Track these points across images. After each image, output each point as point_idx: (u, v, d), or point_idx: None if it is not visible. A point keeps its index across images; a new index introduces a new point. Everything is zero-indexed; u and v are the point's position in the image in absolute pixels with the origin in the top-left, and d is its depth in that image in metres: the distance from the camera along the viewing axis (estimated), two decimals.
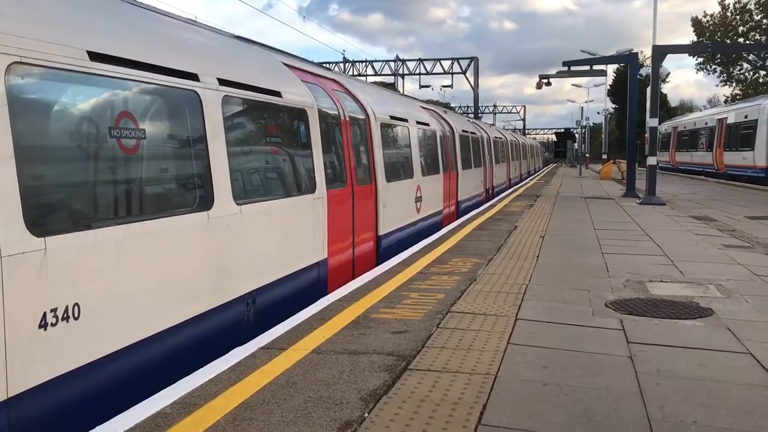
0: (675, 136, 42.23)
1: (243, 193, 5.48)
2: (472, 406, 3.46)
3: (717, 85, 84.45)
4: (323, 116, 7.42)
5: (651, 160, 17.88)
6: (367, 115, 9.26)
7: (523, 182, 32.82)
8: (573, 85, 63.60)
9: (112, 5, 4.64)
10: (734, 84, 53.88)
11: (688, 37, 52.24)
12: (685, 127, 40.01)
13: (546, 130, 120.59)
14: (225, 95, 5.26)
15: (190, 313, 4.59)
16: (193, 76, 4.85)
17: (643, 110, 20.33)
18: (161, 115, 4.81)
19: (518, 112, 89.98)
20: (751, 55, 46.88)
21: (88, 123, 4.05)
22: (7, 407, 3.03)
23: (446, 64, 47.20)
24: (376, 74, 45.45)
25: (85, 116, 4.05)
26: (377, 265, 8.38)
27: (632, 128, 20.17)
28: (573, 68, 20.91)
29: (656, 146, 18.27)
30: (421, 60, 47.38)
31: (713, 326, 5.11)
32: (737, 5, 50.52)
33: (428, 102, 18.28)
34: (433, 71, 47.05)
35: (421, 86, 47.71)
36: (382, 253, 9.17)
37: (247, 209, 5.38)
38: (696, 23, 52.85)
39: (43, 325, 3.29)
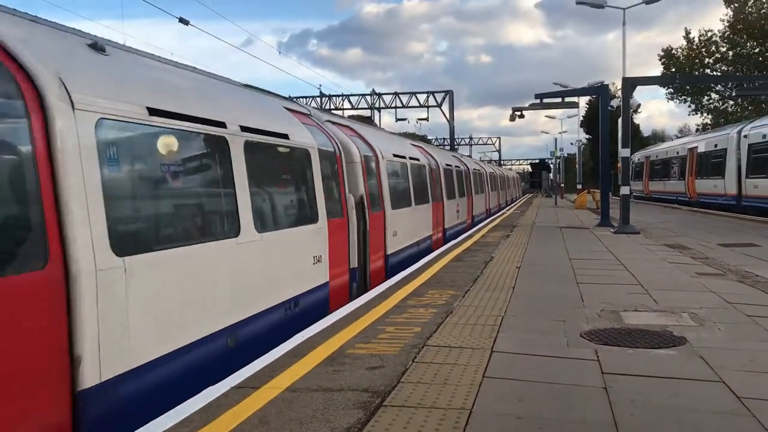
0: (648, 165, 42.96)
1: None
2: None
3: (689, 114, 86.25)
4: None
5: (624, 190, 18.15)
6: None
7: (501, 211, 33.13)
8: (547, 116, 64.52)
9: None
10: (704, 113, 55.07)
11: (660, 68, 53.08)
12: (657, 157, 40.74)
13: (522, 161, 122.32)
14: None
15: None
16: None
17: (616, 140, 20.67)
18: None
19: (494, 144, 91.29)
20: (718, 86, 48.02)
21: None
22: (387, 258, 9.82)
23: (422, 97, 47.87)
24: (352, 108, 45.86)
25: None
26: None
27: (605, 158, 20.45)
28: (545, 100, 21.20)
29: (629, 176, 18.57)
30: (397, 93, 47.95)
31: (687, 355, 5.14)
32: (702, 38, 51.92)
33: (406, 134, 19.70)
34: (409, 104, 47.60)
35: (397, 119, 48.22)
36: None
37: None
38: (665, 55, 54.13)
39: (392, 235, 10.81)
